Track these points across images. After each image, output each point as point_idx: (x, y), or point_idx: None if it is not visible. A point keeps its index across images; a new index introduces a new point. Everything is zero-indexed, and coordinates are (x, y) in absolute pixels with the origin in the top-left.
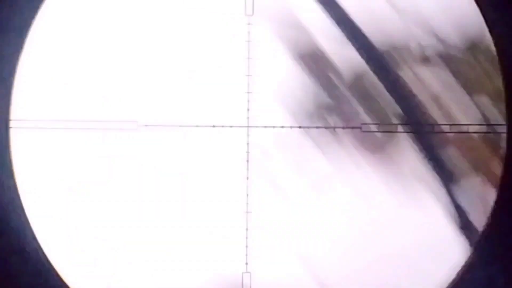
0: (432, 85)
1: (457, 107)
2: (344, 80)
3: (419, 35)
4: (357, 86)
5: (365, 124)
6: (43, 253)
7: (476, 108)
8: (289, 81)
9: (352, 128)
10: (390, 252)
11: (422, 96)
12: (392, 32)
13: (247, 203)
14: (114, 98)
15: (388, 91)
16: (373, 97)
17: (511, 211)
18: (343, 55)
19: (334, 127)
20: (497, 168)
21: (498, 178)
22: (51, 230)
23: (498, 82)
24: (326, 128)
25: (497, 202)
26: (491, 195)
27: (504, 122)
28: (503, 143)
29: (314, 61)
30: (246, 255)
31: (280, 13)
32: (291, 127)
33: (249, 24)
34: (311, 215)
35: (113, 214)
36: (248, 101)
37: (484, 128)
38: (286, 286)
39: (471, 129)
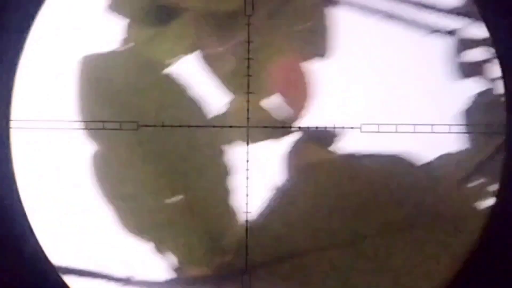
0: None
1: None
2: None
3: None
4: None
5: (365, 124)
6: (43, 253)
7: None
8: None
9: (352, 128)
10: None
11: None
12: None
13: (247, 203)
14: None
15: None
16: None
17: (510, 213)
18: None
19: (334, 127)
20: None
21: (497, 179)
22: (51, 230)
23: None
24: (326, 128)
25: (496, 204)
26: (490, 197)
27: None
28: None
29: None
30: (246, 255)
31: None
32: (291, 127)
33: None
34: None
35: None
36: (248, 101)
37: (482, 129)
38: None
39: (469, 129)
